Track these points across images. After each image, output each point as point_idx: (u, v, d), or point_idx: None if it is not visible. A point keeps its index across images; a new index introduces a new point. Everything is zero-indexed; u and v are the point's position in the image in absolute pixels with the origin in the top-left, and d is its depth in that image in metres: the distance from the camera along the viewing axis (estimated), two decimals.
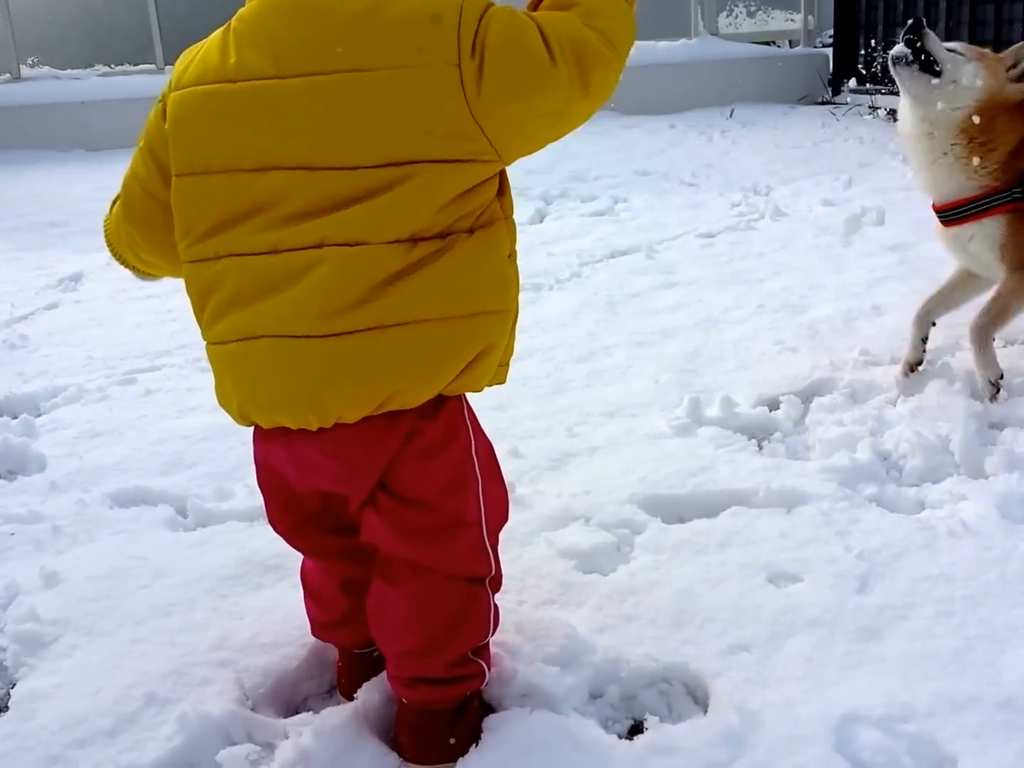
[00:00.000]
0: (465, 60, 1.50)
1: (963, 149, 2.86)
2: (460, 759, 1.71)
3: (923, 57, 2.79)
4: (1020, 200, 2.83)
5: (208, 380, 3.47)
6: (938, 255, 4.47)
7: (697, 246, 5.03)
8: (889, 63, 2.84)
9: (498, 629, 1.79)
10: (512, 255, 1.68)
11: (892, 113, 8.87)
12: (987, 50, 2.87)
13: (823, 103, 9.95)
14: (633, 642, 1.98)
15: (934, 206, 3.02)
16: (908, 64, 2.81)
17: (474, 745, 1.73)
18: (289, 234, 1.53)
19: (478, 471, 1.71)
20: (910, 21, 2.77)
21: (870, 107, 9.15)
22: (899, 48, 2.82)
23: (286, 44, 1.53)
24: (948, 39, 8.89)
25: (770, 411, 3.03)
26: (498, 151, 1.57)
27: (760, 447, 2.84)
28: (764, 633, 1.99)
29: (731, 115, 9.40)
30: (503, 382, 1.75)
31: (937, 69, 2.80)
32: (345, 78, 1.50)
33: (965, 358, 3.27)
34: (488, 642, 1.78)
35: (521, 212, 5.87)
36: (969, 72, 2.78)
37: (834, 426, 2.88)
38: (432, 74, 1.50)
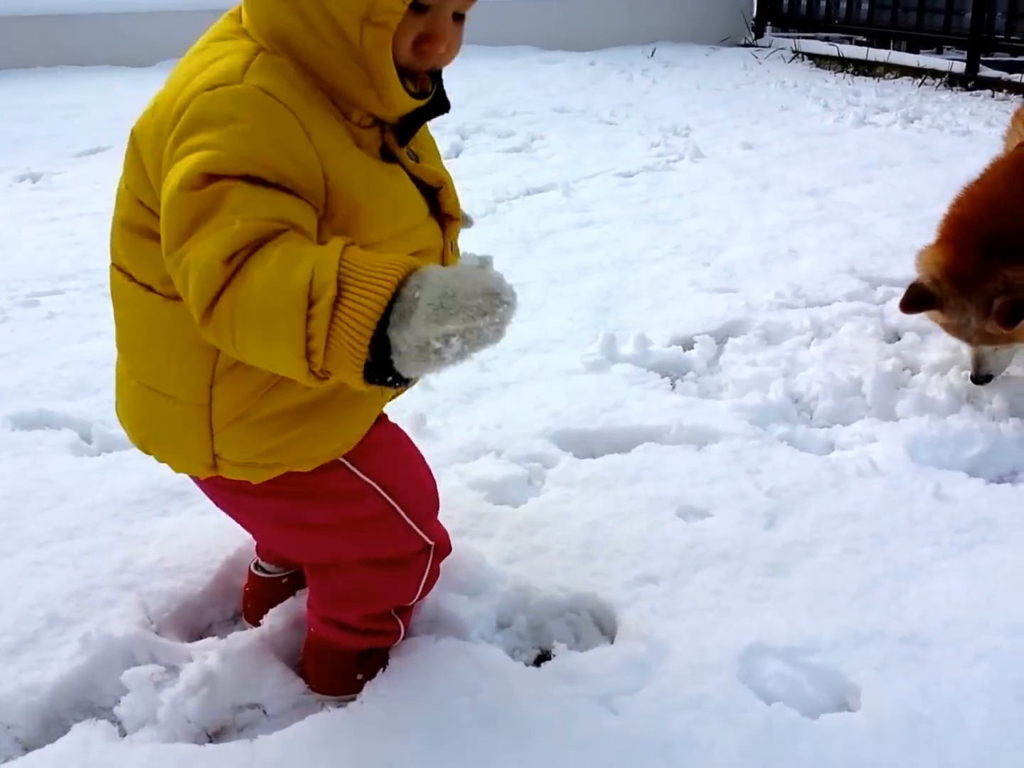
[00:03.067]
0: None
1: None
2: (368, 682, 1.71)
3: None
4: None
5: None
6: (855, 201, 4.55)
7: (615, 185, 4.99)
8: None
9: (429, 593, 1.78)
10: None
11: (814, 58, 8.93)
12: None
13: (746, 45, 9.95)
14: (542, 572, 1.98)
15: None
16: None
17: (381, 670, 1.73)
18: None
19: (363, 477, 1.59)
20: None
21: (793, 51, 9.18)
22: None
23: None
24: None
25: (684, 350, 3.03)
26: None
27: (673, 385, 2.84)
28: (673, 566, 2.00)
29: (652, 54, 9.34)
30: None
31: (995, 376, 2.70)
32: None
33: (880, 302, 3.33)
34: (413, 605, 1.77)
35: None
36: None
37: (747, 366, 2.90)
38: None
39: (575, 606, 1.93)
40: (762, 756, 1.55)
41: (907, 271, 3.55)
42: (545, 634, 1.88)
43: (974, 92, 7.31)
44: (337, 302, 1.12)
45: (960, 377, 2.73)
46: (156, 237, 1.33)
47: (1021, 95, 7.00)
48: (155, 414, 1.52)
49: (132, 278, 1.48)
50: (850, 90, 7.48)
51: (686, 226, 4.27)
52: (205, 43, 1.46)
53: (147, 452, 1.60)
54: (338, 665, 1.73)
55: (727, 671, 1.72)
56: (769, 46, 9.69)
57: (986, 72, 7.49)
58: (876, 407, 2.65)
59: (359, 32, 1.31)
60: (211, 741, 1.64)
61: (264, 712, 1.71)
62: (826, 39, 9.28)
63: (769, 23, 10.32)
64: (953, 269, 2.57)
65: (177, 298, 1.34)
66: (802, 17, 10.00)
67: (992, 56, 7.89)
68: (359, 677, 1.71)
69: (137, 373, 1.53)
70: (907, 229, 4.06)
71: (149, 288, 1.46)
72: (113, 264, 1.54)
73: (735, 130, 6.19)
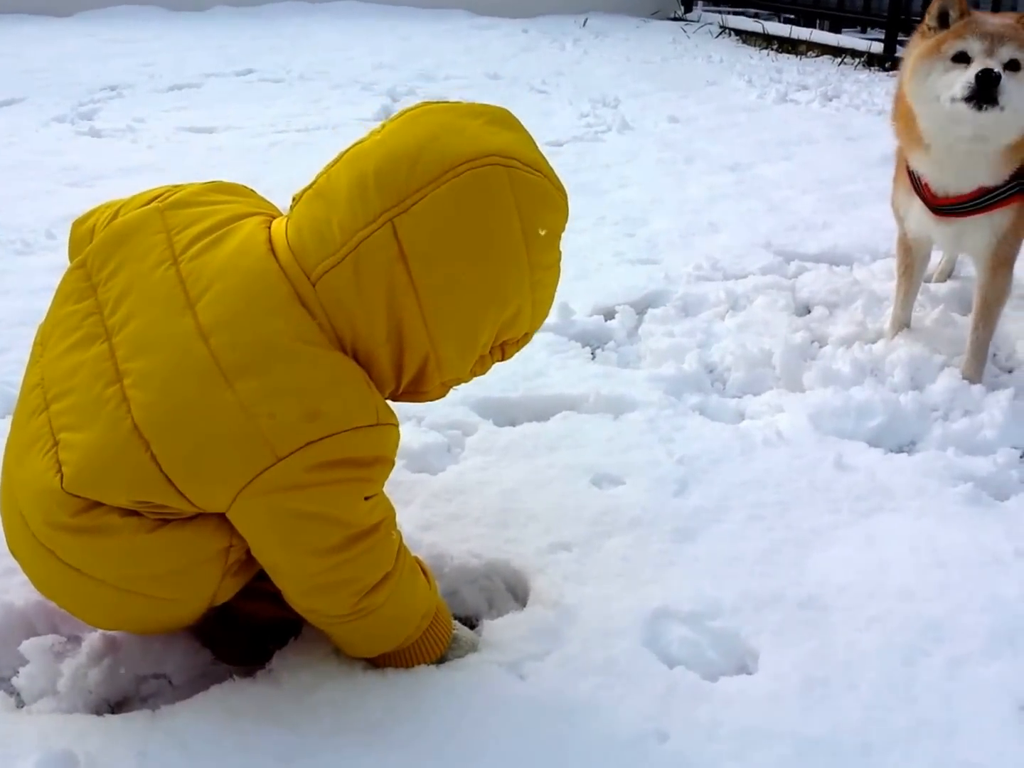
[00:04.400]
0: None
1: (1005, 153, 2.55)
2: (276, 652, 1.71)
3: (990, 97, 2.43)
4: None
5: (22, 263, 3.31)
6: (774, 177, 4.62)
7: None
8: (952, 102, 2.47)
9: None
10: (226, 555, 1.54)
11: (740, 34, 9.01)
12: None
13: (675, 19, 10.00)
14: (458, 539, 2.00)
15: (940, 200, 2.64)
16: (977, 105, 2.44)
17: (293, 638, 1.73)
18: None
19: None
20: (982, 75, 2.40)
21: (720, 27, 9.25)
22: (969, 90, 2.43)
23: None
24: None
25: (605, 320, 3.07)
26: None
27: (593, 355, 2.88)
28: (585, 532, 2.03)
29: (585, 24, 9.36)
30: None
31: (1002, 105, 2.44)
32: None
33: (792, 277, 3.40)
34: None
35: (366, 108, 5.78)
36: None
37: (665, 337, 2.95)
38: None
39: (489, 572, 1.95)
40: (662, 719, 1.59)
41: (819, 246, 3.67)
42: (458, 601, 1.91)
43: (891, 72, 7.43)
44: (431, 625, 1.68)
45: (864, 350, 2.80)
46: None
47: None
48: (134, 610, 1.56)
49: (97, 504, 1.47)
50: (773, 67, 7.58)
51: (612, 197, 4.31)
52: (291, 343, 1.48)
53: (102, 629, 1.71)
54: (250, 635, 1.73)
55: (633, 636, 1.76)
56: (698, 20, 9.75)
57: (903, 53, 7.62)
58: (784, 378, 2.71)
59: (433, 386, 1.63)
60: (113, 712, 1.62)
61: (169, 682, 1.70)
62: (755, 15, 9.36)
63: None
64: None
65: (166, 521, 1.47)
66: None
67: None
68: (269, 647, 1.72)
69: (120, 583, 1.52)
70: (820, 206, 4.15)
71: (133, 512, 1.48)
72: (72, 494, 1.48)
73: (662, 103, 6.24)
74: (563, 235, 1.63)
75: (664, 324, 3.05)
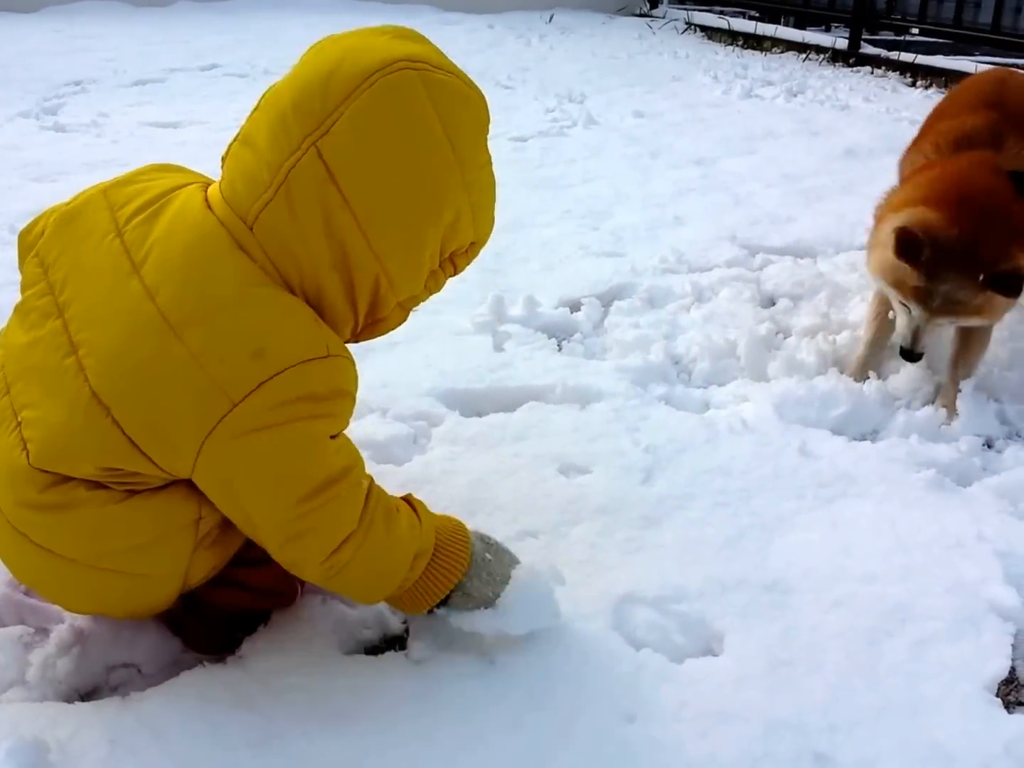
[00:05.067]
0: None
1: None
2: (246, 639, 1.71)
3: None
4: None
5: None
6: (739, 171, 4.66)
7: (508, 150, 5.00)
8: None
9: None
10: (196, 526, 1.55)
11: (705, 31, 9.06)
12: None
13: (641, 15, 10.04)
14: None
15: None
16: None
17: (263, 625, 1.73)
18: None
19: None
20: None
21: (686, 23, 9.30)
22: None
23: None
24: None
25: (571, 312, 3.09)
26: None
27: (560, 346, 2.89)
28: (552, 520, 2.05)
29: (551, 20, 9.38)
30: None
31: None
32: None
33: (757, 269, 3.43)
34: None
35: None
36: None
37: (631, 329, 2.96)
38: None
39: None
40: (629, 701, 1.60)
41: (783, 239, 3.70)
42: None
43: (855, 68, 7.53)
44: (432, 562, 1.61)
45: (828, 341, 2.83)
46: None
47: (898, 72, 7.25)
48: (109, 589, 1.56)
49: (66, 478, 1.47)
50: (739, 63, 7.63)
51: (577, 191, 4.32)
52: (240, 289, 1.48)
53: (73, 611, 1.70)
54: (219, 623, 1.72)
55: (600, 620, 1.77)
56: (663, 17, 9.81)
57: (867, 49, 7.71)
58: (749, 368, 2.74)
59: (391, 310, 1.62)
60: (83, 701, 1.61)
61: (139, 671, 1.69)
62: (720, 12, 9.42)
63: None
64: (952, 233, 2.40)
65: (135, 492, 1.47)
66: None
67: (878, 35, 8.12)
68: (239, 635, 1.71)
69: (91, 560, 1.51)
70: (785, 199, 4.19)
71: (101, 485, 1.48)
72: (40, 469, 1.48)
73: (628, 98, 6.27)
74: (489, 133, 1.64)
75: (630, 316, 3.06)
